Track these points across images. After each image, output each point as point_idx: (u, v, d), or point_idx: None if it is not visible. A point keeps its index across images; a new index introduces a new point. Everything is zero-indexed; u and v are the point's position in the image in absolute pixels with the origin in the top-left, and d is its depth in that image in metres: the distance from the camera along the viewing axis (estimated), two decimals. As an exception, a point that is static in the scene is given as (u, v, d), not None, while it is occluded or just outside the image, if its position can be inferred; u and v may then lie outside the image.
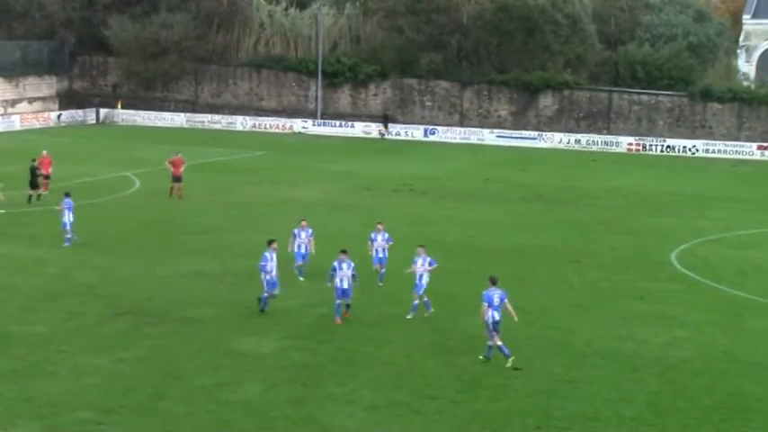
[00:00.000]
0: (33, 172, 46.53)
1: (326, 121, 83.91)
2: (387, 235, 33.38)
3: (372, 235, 33.47)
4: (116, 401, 21.94)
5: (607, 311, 30.58)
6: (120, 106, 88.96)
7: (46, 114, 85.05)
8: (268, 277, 29.60)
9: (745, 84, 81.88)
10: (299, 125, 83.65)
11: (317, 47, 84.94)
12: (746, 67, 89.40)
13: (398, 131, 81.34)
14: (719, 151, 74.28)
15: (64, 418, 21.05)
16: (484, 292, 25.46)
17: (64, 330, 27.27)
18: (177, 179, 48.65)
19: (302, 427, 20.94)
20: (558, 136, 78.29)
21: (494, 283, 25.71)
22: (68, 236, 37.55)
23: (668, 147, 75.20)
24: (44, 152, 48.77)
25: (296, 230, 33.70)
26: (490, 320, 25.16)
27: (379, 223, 33.87)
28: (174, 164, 49.14)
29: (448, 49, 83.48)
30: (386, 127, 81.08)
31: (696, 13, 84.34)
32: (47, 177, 47.10)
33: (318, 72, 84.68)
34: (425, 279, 29.61)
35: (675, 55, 79.16)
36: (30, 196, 45.92)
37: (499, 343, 25.09)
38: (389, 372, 24.33)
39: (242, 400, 22.26)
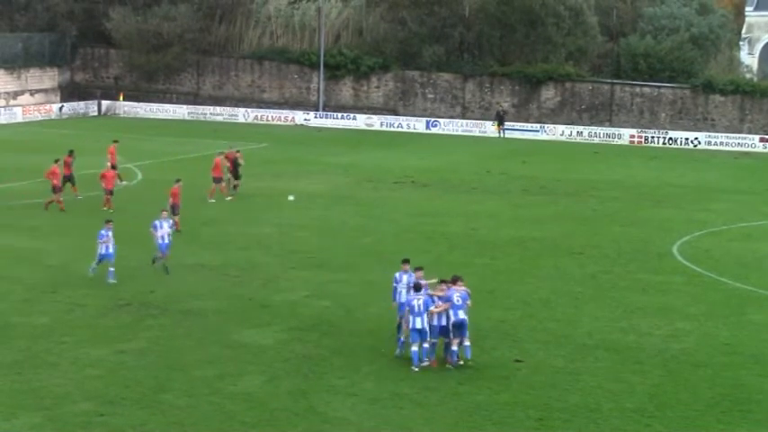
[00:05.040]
0: (235, 162, 47.87)
1: (328, 113, 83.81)
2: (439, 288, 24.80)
3: (397, 276, 25.82)
4: (117, 393, 21.97)
5: (609, 303, 30.57)
6: (121, 98, 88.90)
7: (48, 106, 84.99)
8: None
9: (747, 76, 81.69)
10: (300, 117, 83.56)
11: (320, 39, 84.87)
12: (749, 59, 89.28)
13: (400, 123, 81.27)
14: (722, 143, 74.10)
15: (66, 409, 21.08)
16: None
17: (65, 322, 27.30)
18: (235, 175, 48.49)
19: (304, 418, 20.96)
20: (559, 128, 78.16)
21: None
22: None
23: (670, 139, 75.07)
24: (108, 164, 46.53)
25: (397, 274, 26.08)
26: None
27: (461, 279, 24.79)
28: (228, 158, 48.92)
29: (450, 41, 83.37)
30: (500, 125, 77.64)
31: (698, 4, 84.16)
32: (110, 193, 44.33)
33: (320, 64, 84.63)
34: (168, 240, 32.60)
35: (677, 47, 79.00)
36: (234, 186, 47.48)
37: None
38: (391, 364, 24.32)
39: (243, 392, 22.28)
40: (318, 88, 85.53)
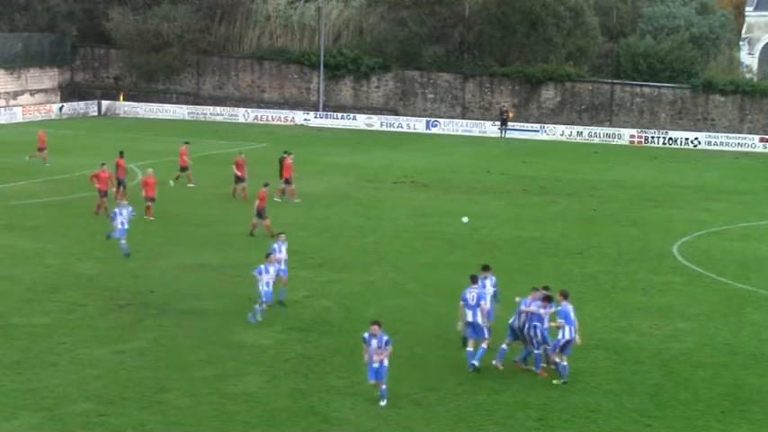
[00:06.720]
0: (282, 164, 47.82)
1: (328, 113, 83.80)
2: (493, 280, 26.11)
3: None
4: (118, 393, 21.97)
5: (609, 304, 30.58)
6: (121, 98, 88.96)
7: (48, 106, 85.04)
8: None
9: (747, 76, 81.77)
10: (300, 117, 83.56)
11: (320, 39, 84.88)
12: (749, 59, 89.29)
13: (400, 124, 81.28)
14: (722, 143, 74.16)
15: (66, 409, 21.08)
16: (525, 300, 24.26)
17: (66, 322, 27.30)
18: (240, 179, 47.32)
19: (303, 418, 20.96)
20: (559, 128, 78.21)
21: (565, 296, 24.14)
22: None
23: (670, 139, 75.11)
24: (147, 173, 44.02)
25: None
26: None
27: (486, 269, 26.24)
28: (238, 164, 48.43)
29: (450, 41, 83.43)
30: (503, 124, 77.95)
31: (698, 4, 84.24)
32: (151, 200, 42.18)
33: (320, 64, 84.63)
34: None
35: (677, 47, 79.06)
36: (283, 189, 47.27)
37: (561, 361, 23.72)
38: (391, 364, 24.16)
39: (243, 392, 22.28)
40: (318, 88, 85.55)
